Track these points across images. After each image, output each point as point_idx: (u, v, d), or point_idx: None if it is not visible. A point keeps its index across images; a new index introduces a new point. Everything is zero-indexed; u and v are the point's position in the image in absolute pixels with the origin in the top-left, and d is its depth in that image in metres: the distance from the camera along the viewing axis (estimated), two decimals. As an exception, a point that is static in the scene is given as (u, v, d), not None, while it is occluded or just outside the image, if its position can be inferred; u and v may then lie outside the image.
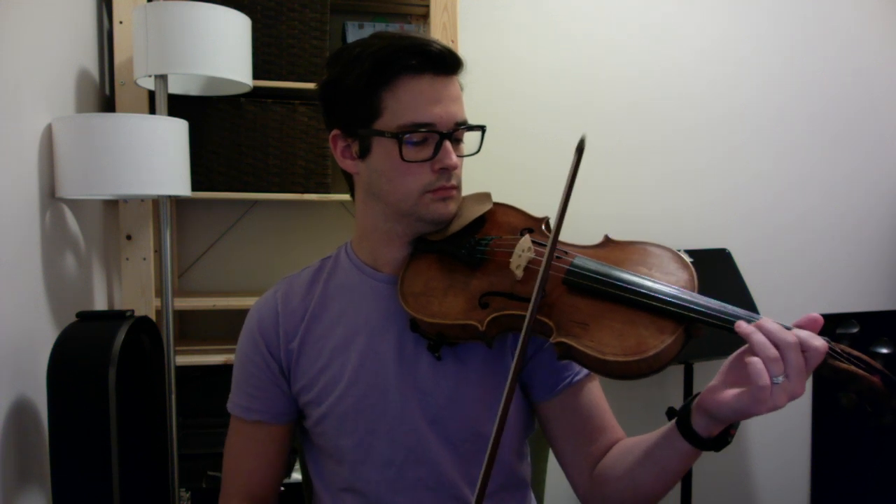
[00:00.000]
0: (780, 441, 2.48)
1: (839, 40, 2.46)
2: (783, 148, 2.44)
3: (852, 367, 0.74)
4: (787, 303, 2.43)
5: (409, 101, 0.90)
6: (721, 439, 0.79)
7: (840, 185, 2.50)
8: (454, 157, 0.93)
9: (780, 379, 0.70)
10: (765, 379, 0.69)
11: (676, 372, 2.16)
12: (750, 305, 2.17)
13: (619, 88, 2.31)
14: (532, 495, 1.08)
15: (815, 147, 2.47)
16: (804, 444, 2.52)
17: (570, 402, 0.97)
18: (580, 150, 0.81)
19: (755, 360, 0.70)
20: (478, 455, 0.97)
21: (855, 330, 0.78)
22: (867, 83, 2.50)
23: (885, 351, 0.76)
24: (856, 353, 0.75)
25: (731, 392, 0.74)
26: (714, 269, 2.24)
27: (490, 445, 0.75)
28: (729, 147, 2.40)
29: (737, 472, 2.48)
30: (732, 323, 0.75)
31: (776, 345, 0.70)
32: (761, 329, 0.72)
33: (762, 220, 2.44)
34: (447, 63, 0.92)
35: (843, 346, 0.76)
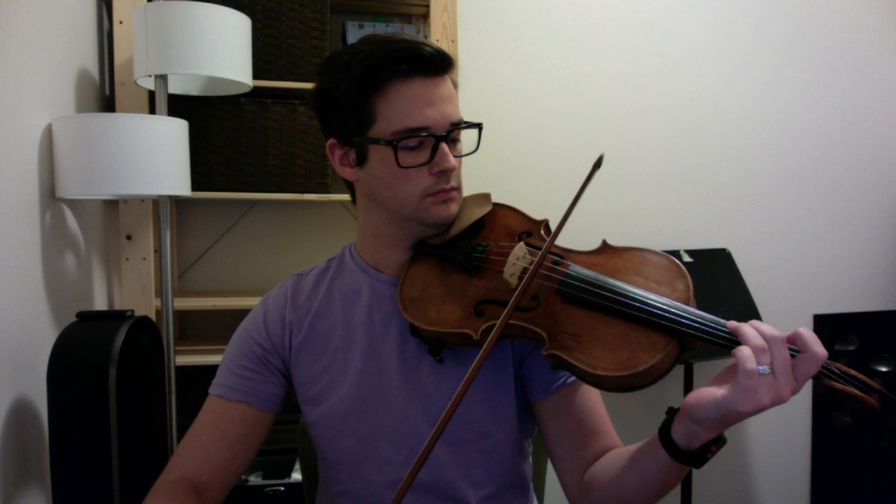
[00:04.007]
0: (780, 442, 2.48)
1: (839, 40, 2.47)
2: (783, 148, 2.44)
3: (848, 388, 0.73)
4: (787, 303, 2.43)
5: (401, 107, 0.89)
6: (701, 456, 0.77)
7: (840, 185, 2.50)
8: (451, 160, 0.92)
9: (766, 368, 0.70)
10: (752, 363, 0.70)
11: (677, 372, 2.16)
12: (750, 305, 2.17)
13: (620, 88, 2.31)
14: (533, 495, 1.08)
15: (815, 147, 2.47)
16: (804, 444, 2.52)
17: (565, 403, 0.96)
18: (598, 165, 0.81)
19: (743, 347, 0.71)
20: (479, 456, 0.97)
21: (853, 347, 0.76)
22: (868, 84, 2.50)
23: (884, 369, 0.75)
24: (852, 372, 0.74)
25: (716, 389, 0.73)
26: (714, 269, 2.24)
27: (429, 439, 0.75)
28: (729, 147, 2.40)
29: (737, 472, 2.48)
30: (725, 338, 0.76)
31: (765, 339, 0.71)
32: (752, 325, 0.73)
33: (762, 220, 2.44)
34: (437, 64, 0.91)
35: (839, 365, 0.75)
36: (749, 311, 2.14)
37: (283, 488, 1.72)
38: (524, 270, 0.89)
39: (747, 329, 0.73)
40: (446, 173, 0.92)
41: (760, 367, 0.70)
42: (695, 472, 2.19)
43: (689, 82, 2.36)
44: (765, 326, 0.73)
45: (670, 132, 2.36)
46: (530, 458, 1.08)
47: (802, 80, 2.44)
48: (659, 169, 2.35)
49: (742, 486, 2.49)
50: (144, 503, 0.90)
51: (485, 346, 0.79)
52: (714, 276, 2.21)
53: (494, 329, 0.80)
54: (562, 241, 0.91)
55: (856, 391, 0.73)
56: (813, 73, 2.45)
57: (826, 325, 2.47)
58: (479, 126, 0.97)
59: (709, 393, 0.73)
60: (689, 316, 0.78)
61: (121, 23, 1.69)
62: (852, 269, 2.52)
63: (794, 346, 0.73)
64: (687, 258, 2.19)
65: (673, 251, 2.19)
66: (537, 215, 1.00)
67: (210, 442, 0.96)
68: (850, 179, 2.50)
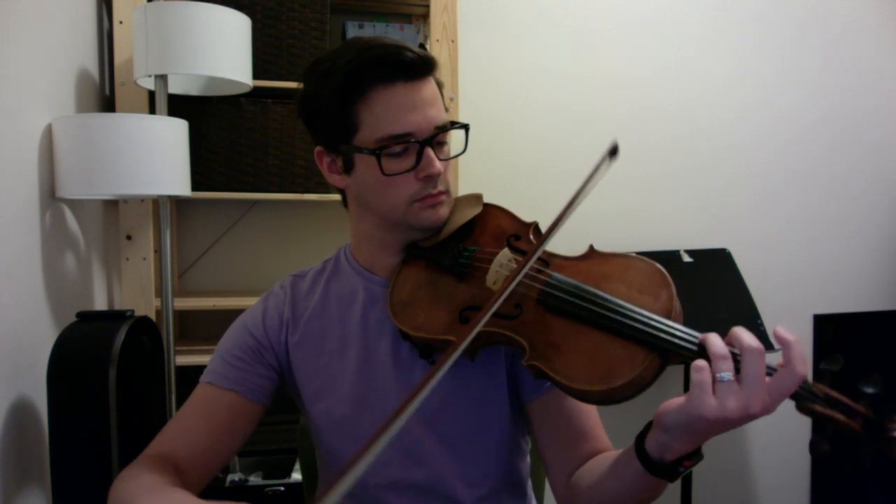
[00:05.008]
0: (780, 442, 2.48)
1: (839, 40, 2.47)
2: (784, 148, 2.44)
3: (828, 411, 0.70)
4: (787, 303, 2.43)
5: (384, 114, 0.88)
6: (673, 469, 0.76)
7: (840, 185, 2.50)
8: (437, 164, 0.90)
9: (727, 375, 0.69)
10: (701, 361, 0.69)
11: (677, 372, 2.16)
12: (750, 306, 2.17)
13: (621, 88, 2.31)
14: (531, 494, 1.08)
15: (815, 147, 2.47)
16: (804, 444, 2.51)
17: (554, 404, 0.96)
18: (613, 152, 0.78)
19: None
20: (474, 455, 0.97)
21: (837, 368, 0.73)
22: (868, 84, 2.50)
23: (870, 390, 0.71)
24: (834, 394, 0.72)
25: (682, 397, 0.72)
26: (714, 269, 2.24)
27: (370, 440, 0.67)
28: (730, 147, 2.40)
29: (737, 472, 2.48)
30: (696, 353, 0.74)
31: (741, 347, 0.69)
32: (735, 332, 0.72)
33: (762, 220, 2.44)
34: (419, 68, 0.89)
35: (821, 387, 0.72)
36: (749, 312, 2.14)
37: (283, 488, 1.72)
38: (508, 277, 0.87)
39: (712, 336, 0.72)
40: (432, 178, 0.91)
41: (721, 374, 0.69)
42: (695, 471, 2.19)
43: (689, 82, 2.36)
44: (745, 336, 0.70)
45: (670, 132, 2.35)
46: (528, 458, 1.08)
47: (803, 79, 2.44)
48: (659, 169, 2.35)
49: (742, 486, 2.49)
50: (123, 473, 0.88)
51: (451, 352, 0.73)
52: (714, 276, 2.21)
53: (466, 338, 0.75)
54: (554, 242, 0.88)
55: (837, 414, 0.70)
56: (813, 73, 2.45)
57: (826, 325, 2.46)
58: (465, 127, 0.95)
59: (675, 400, 0.72)
60: (668, 331, 0.76)
61: (121, 23, 1.69)
62: (852, 269, 2.52)
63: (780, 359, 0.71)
64: (687, 258, 2.18)
65: (673, 251, 2.19)
66: (537, 216, 0.98)
67: (195, 425, 0.95)
68: (850, 179, 2.50)
